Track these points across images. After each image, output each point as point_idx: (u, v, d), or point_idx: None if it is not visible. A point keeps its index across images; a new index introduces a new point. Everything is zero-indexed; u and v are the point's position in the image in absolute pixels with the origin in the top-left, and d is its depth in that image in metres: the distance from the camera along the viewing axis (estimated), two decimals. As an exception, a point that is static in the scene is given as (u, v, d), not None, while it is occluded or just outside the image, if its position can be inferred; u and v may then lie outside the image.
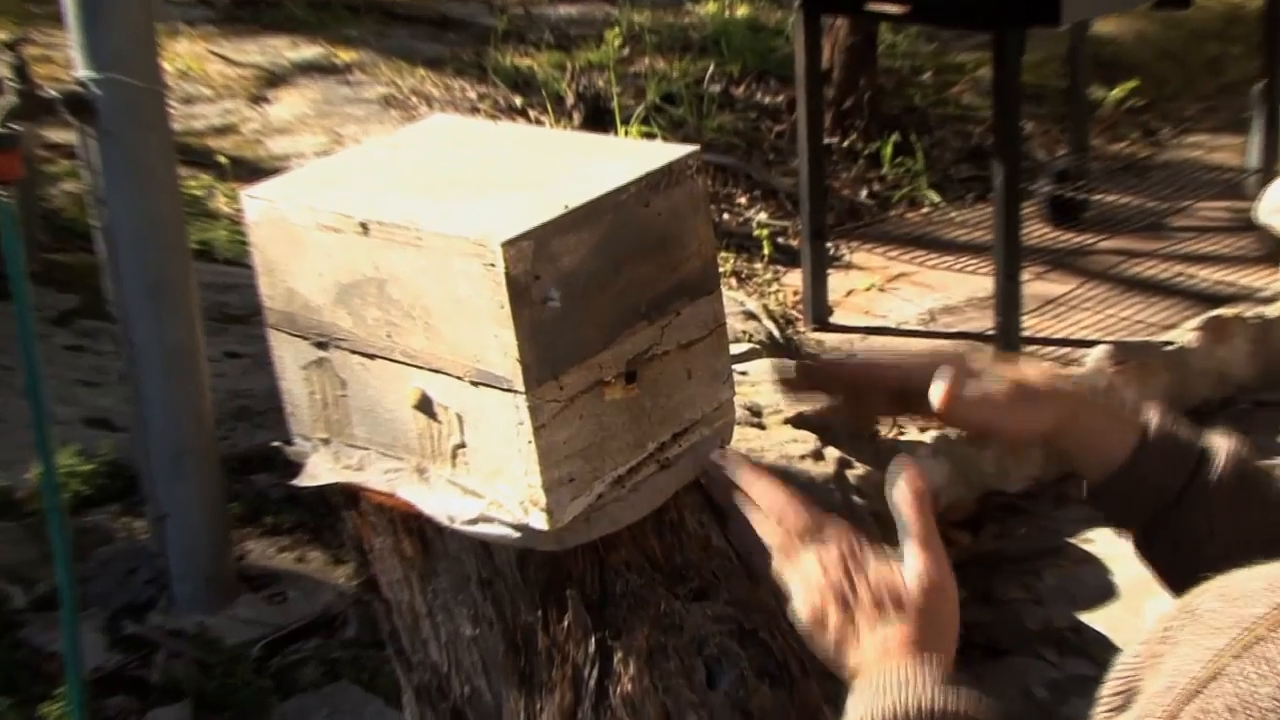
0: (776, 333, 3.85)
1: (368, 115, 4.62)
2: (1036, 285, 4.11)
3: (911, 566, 1.00)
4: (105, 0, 2.14)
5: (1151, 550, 1.12)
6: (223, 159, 4.15)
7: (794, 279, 4.19)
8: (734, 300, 3.93)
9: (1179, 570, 1.11)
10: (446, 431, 1.08)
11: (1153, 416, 1.11)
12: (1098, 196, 4.40)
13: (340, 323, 1.11)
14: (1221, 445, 1.10)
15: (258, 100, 4.68)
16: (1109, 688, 0.81)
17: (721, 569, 1.13)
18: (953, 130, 5.12)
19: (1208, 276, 4.08)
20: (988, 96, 4.60)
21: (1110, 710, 0.81)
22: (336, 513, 1.20)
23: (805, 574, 1.01)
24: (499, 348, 1.01)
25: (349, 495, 1.17)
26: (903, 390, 1.14)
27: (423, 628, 1.16)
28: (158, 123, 2.23)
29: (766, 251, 4.29)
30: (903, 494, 1.02)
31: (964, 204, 4.66)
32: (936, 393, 1.11)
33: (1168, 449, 1.09)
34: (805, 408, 1.18)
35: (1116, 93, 5.25)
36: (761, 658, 1.10)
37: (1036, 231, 4.29)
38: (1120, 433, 1.10)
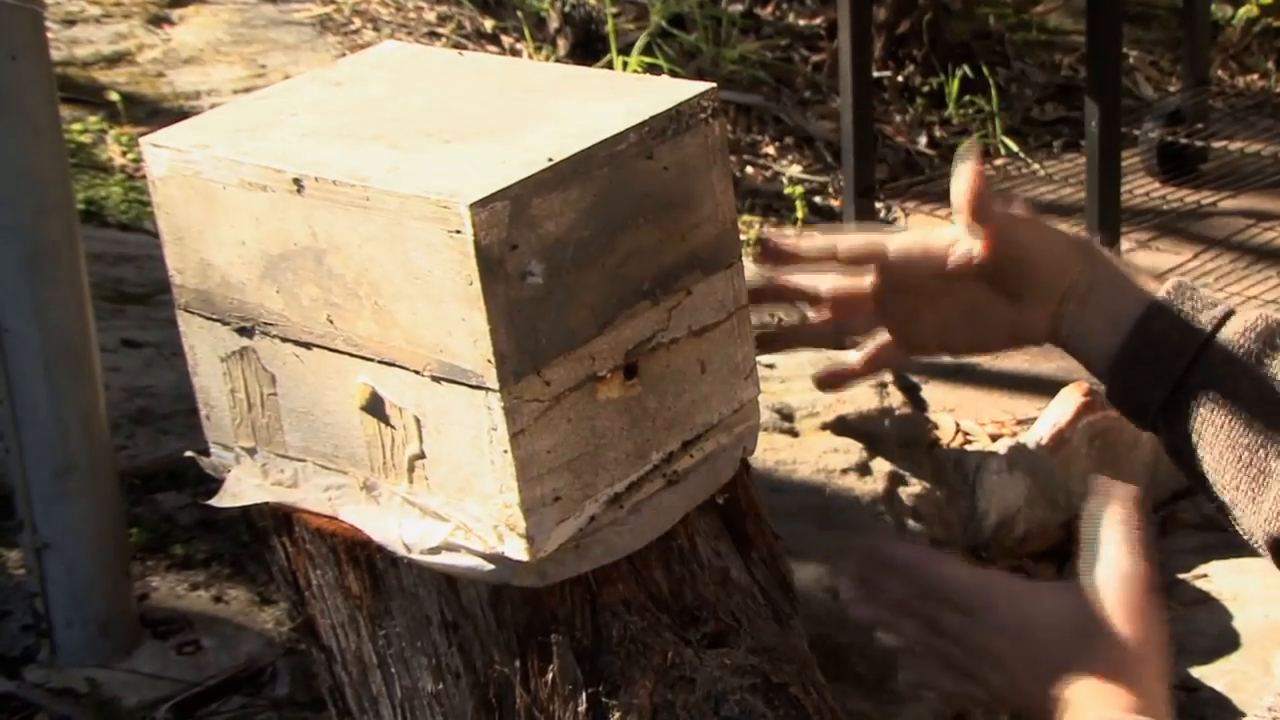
0: (813, 316, 3.86)
1: (298, 42, 4.63)
2: (1141, 255, 4.12)
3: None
4: (-32, -103, 2.15)
5: (1173, 445, 1.17)
6: (115, 96, 4.16)
7: (835, 248, 4.20)
8: (759, 276, 3.93)
9: (1198, 468, 1.15)
10: (401, 439, 1.10)
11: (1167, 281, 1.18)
12: (1219, 144, 4.41)
13: (268, 304, 1.13)
14: (1249, 312, 1.15)
15: (158, 21, 4.68)
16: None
17: (742, 609, 1.15)
18: (1036, 61, 5.12)
19: (1358, 245, 4.09)
20: (1081, 17, 4.61)
21: None
22: (264, 540, 1.21)
23: None
24: (467, 334, 1.03)
25: (280, 518, 1.19)
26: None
27: (373, 682, 1.18)
28: (33, 49, 2.24)
29: (800, 214, 4.30)
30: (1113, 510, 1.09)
31: (1049, 154, 4.67)
32: (960, 187, 1.18)
33: (1184, 303, 1.15)
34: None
35: (1246, 10, 5.25)
36: (792, 718, 1.12)
37: (1141, 187, 4.30)
38: (1137, 291, 1.18)
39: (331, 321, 1.09)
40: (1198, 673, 2.63)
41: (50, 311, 2.28)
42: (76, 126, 3.98)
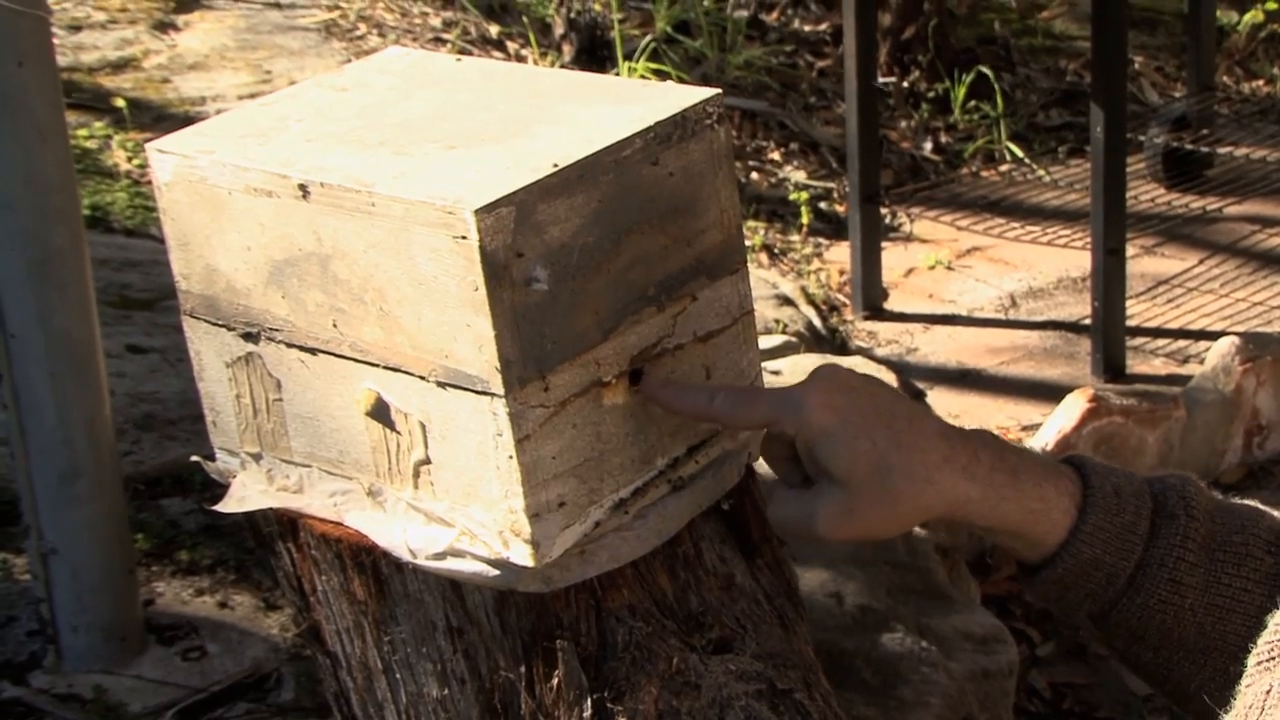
0: (818, 322, 3.87)
1: (304, 48, 4.64)
2: (1145, 261, 4.12)
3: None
4: (-26, -97, 2.15)
5: (1110, 642, 1.13)
6: (121, 102, 4.17)
7: (840, 254, 4.21)
8: (764, 281, 3.94)
9: (1147, 665, 1.13)
10: (407, 444, 1.10)
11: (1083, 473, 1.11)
12: (1225, 149, 4.41)
13: (274, 309, 1.13)
14: (1179, 501, 1.10)
15: (164, 27, 4.70)
16: (1265, 639, 0.92)
17: (748, 615, 1.15)
18: (1041, 66, 5.13)
19: (1363, 250, 4.09)
20: (1086, 23, 4.62)
21: (1263, 662, 0.91)
22: (269, 546, 1.21)
23: None
24: (472, 340, 1.03)
25: (285, 524, 1.19)
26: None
27: (378, 687, 1.18)
28: (39, 55, 2.25)
29: (805, 220, 4.31)
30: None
31: (1055, 159, 4.68)
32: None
33: (1110, 521, 1.10)
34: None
35: (1251, 16, 5.25)
36: (797, 725, 1.12)
37: (1146, 193, 4.31)
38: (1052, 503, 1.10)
39: (337, 327, 1.10)
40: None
41: (56, 317, 2.28)
42: (82, 132, 3.99)
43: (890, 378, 3.41)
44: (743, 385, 1.15)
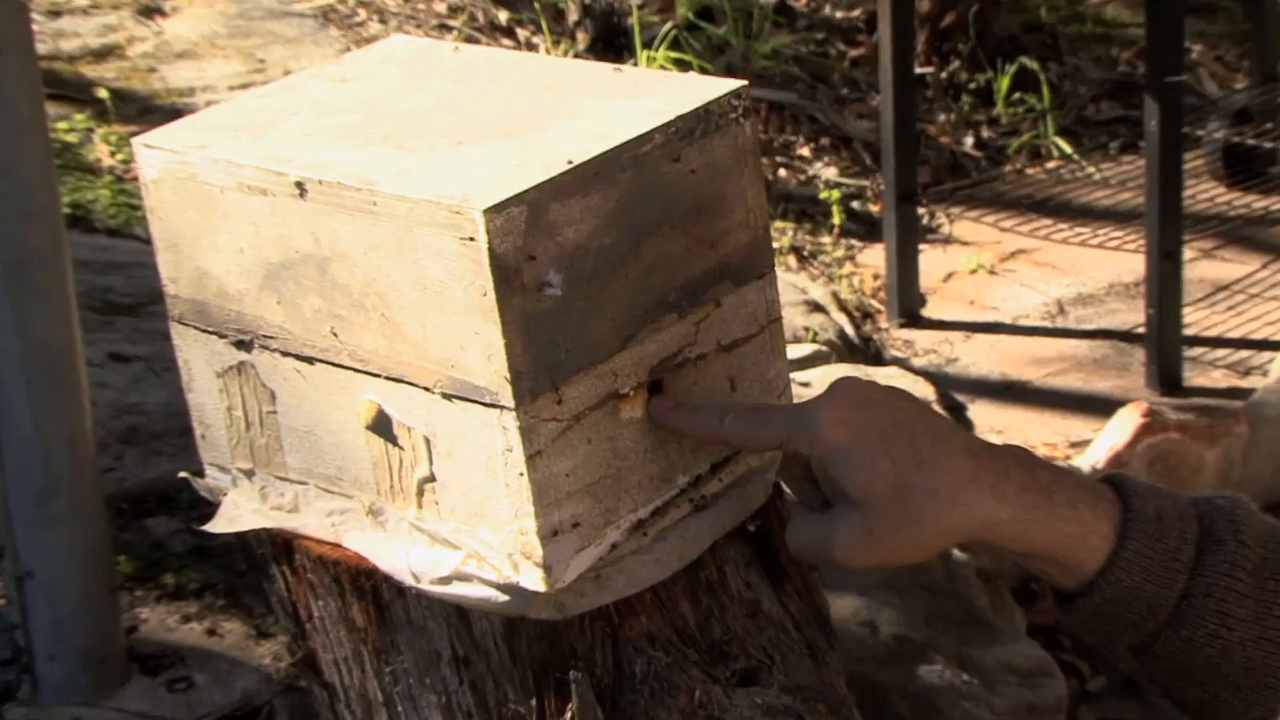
0: (850, 330, 3.87)
1: (300, 35, 4.66)
2: (1204, 265, 4.12)
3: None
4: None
5: (1153, 677, 1.12)
6: (104, 92, 4.18)
7: (874, 257, 4.21)
8: (793, 286, 3.95)
9: (1193, 702, 1.12)
10: (410, 460, 1.10)
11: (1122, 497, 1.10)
12: (1289, 145, 4.41)
13: (268, 315, 1.13)
14: (1228, 525, 1.09)
15: (149, 12, 4.71)
16: None
17: (775, 644, 1.15)
18: (1091, 56, 5.13)
19: None
20: (1140, 9, 4.62)
21: None
22: (262, 569, 1.22)
23: None
24: (480, 349, 1.03)
25: (279, 545, 1.19)
26: None
27: (377, 721, 1.19)
28: (17, 42, 2.26)
29: (837, 220, 4.31)
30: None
31: (1106, 155, 4.67)
32: None
33: (1155, 545, 1.08)
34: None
35: (1316, 3, 5.24)
36: (828, 763, 1.12)
37: (1205, 192, 4.30)
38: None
39: (335, 335, 1.10)
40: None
41: (34, 323, 2.29)
42: (62, 125, 4.00)
43: (928, 390, 3.41)
44: (755, 402, 1.15)
